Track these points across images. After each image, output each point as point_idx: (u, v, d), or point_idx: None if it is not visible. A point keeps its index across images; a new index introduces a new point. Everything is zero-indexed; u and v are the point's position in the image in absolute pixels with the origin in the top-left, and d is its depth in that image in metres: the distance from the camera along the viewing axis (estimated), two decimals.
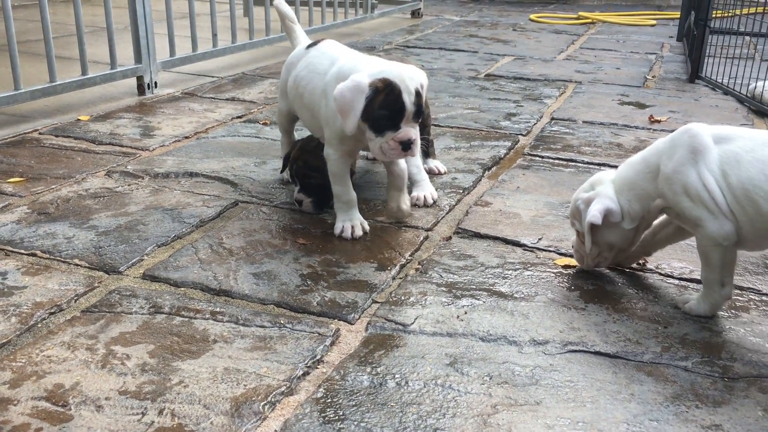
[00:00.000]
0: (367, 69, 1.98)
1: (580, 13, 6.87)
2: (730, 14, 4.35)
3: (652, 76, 4.30)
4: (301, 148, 2.31)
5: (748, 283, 1.93)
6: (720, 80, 3.96)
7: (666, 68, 4.58)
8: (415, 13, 6.68)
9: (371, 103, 1.91)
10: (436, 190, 2.44)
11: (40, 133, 3.00)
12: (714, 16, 4.16)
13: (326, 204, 2.29)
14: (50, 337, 1.62)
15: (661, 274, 1.97)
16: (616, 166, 1.94)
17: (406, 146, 1.95)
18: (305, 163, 2.27)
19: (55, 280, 1.85)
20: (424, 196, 2.36)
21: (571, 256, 2.04)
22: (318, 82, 2.14)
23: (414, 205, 2.34)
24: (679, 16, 6.02)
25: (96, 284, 1.84)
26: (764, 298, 1.85)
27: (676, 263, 2.02)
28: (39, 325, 1.66)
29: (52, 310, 1.72)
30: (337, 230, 2.13)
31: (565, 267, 1.99)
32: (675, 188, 1.66)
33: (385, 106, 1.91)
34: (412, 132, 1.95)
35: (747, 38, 5.07)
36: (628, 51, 5.18)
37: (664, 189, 1.69)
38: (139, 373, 1.49)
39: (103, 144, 2.89)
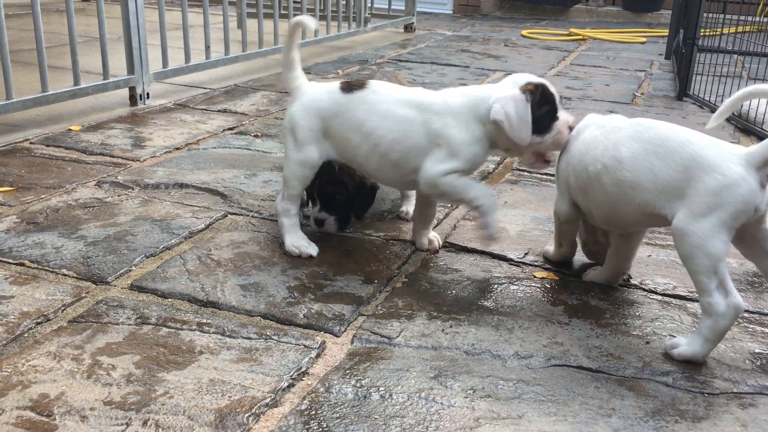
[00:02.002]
0: (484, 89, 2.02)
1: (572, 30, 6.93)
2: (717, 33, 4.41)
3: (641, 93, 4.35)
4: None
5: None
6: (708, 98, 4.00)
7: (655, 85, 4.63)
8: (408, 28, 6.73)
9: (533, 107, 1.93)
10: None
11: (31, 143, 3.01)
12: (702, 34, 4.21)
13: (349, 222, 2.25)
14: (36, 346, 1.62)
15: (644, 289, 1.99)
16: None
17: (571, 128, 1.99)
18: (331, 178, 2.15)
19: (43, 290, 1.85)
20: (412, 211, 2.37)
21: (548, 270, 2.06)
22: (415, 129, 1.98)
23: (403, 219, 2.37)
24: (668, 34, 6.08)
25: (83, 294, 1.85)
26: (744, 314, 1.88)
27: (659, 279, 2.04)
28: (25, 335, 1.67)
29: (39, 320, 1.72)
30: (491, 228, 2.04)
31: (543, 279, 2.01)
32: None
33: (544, 103, 1.94)
34: (567, 113, 2.01)
35: (735, 56, 5.14)
36: (618, 68, 5.24)
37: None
38: (125, 384, 1.50)
39: (94, 154, 2.90)
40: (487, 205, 1.99)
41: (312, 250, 2.10)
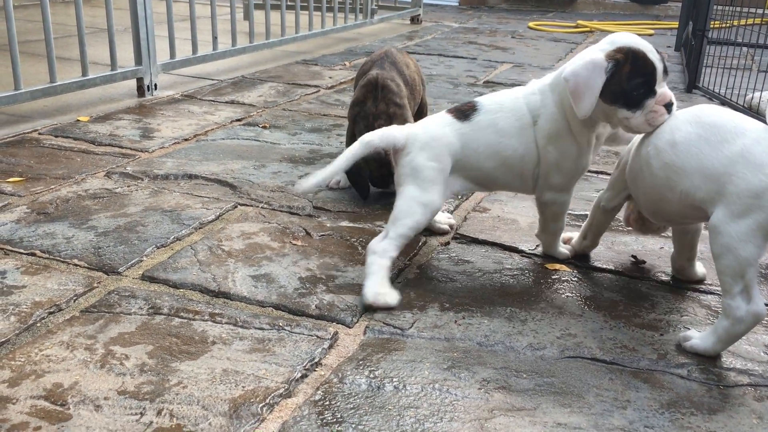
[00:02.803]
0: (589, 50, 1.80)
1: (579, 22, 6.90)
2: (728, 25, 4.38)
3: None
4: (381, 165, 2.34)
5: None
6: (717, 90, 3.98)
7: None
8: (415, 20, 6.70)
9: (617, 78, 1.73)
10: None
11: (39, 134, 3.01)
12: (712, 26, 4.18)
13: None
14: (49, 336, 1.62)
15: (657, 281, 1.98)
16: None
17: (670, 106, 1.75)
18: (380, 162, 2.34)
19: (55, 280, 1.85)
20: None
21: (560, 261, 2.05)
22: (524, 135, 1.90)
23: None
24: (677, 26, 6.05)
25: (95, 284, 1.84)
26: None
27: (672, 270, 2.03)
28: (38, 325, 1.66)
29: (51, 310, 1.72)
30: (559, 255, 2.06)
31: (555, 270, 2.00)
32: None
33: (635, 75, 1.73)
34: (668, 90, 1.78)
35: (744, 49, 5.10)
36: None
37: None
38: (138, 374, 1.50)
39: (103, 145, 2.89)
40: None
41: (392, 299, 1.80)
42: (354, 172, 2.33)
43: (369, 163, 2.35)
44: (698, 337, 1.65)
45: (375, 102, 2.39)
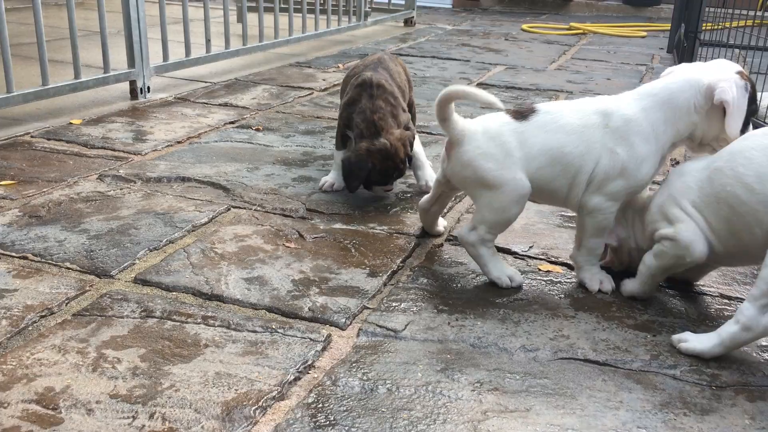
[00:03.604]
0: (720, 70, 1.83)
1: (572, 24, 6.92)
2: (719, 27, 4.40)
3: None
4: (385, 157, 2.34)
5: (736, 292, 1.95)
6: None
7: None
8: (408, 22, 6.71)
9: (750, 100, 1.81)
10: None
11: (32, 137, 3.00)
12: (704, 28, 4.20)
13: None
14: (41, 340, 1.61)
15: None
16: None
17: None
18: (402, 162, 2.37)
19: (47, 284, 1.84)
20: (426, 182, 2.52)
21: (554, 263, 2.05)
22: (593, 139, 1.84)
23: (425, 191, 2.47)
24: (669, 28, 6.07)
25: (87, 288, 1.84)
26: None
27: None
28: (30, 328, 1.66)
29: (43, 313, 1.71)
30: (590, 285, 1.93)
31: (548, 272, 2.01)
32: None
33: (753, 98, 1.83)
34: None
35: (736, 51, 5.12)
36: (619, 62, 5.22)
37: None
38: (130, 377, 1.49)
39: (95, 148, 2.89)
40: None
41: (518, 276, 1.93)
42: (354, 162, 2.33)
43: (373, 154, 2.33)
44: (696, 339, 1.65)
45: (371, 99, 2.41)
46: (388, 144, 2.33)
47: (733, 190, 1.64)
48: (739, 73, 1.81)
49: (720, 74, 1.80)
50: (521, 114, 1.90)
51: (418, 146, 2.52)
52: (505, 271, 1.93)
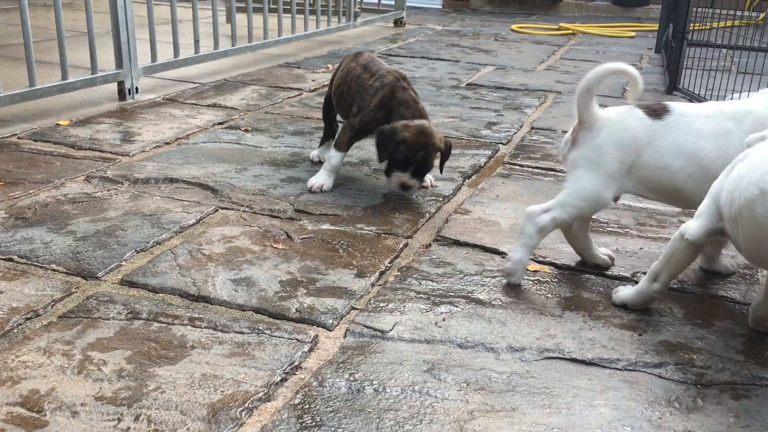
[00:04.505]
0: None
1: (561, 24, 6.94)
2: (707, 27, 4.42)
3: None
4: (420, 132, 2.37)
5: (723, 291, 1.96)
6: (697, 92, 4.01)
7: (644, 79, 4.60)
8: (398, 22, 6.71)
9: None
10: (417, 198, 2.46)
11: (18, 138, 2.98)
12: (692, 29, 4.22)
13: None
14: (26, 342, 1.60)
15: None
16: None
17: None
18: (434, 146, 2.39)
19: (32, 286, 1.83)
20: (430, 180, 2.59)
21: (541, 262, 2.06)
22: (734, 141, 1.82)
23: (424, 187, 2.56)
24: (657, 28, 6.09)
25: (73, 290, 1.83)
26: (737, 306, 1.88)
27: None
28: (15, 331, 1.65)
29: (29, 316, 1.70)
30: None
31: (535, 272, 2.01)
32: None
33: None
34: None
35: (724, 51, 5.15)
36: (608, 62, 5.23)
37: None
38: (116, 379, 1.49)
39: (83, 149, 2.87)
40: None
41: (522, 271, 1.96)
42: (388, 131, 2.37)
43: (409, 127, 2.37)
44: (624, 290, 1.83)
45: (405, 91, 2.50)
46: (426, 123, 2.40)
47: None
48: None
49: None
50: (654, 111, 1.92)
51: None
52: (526, 262, 1.95)
